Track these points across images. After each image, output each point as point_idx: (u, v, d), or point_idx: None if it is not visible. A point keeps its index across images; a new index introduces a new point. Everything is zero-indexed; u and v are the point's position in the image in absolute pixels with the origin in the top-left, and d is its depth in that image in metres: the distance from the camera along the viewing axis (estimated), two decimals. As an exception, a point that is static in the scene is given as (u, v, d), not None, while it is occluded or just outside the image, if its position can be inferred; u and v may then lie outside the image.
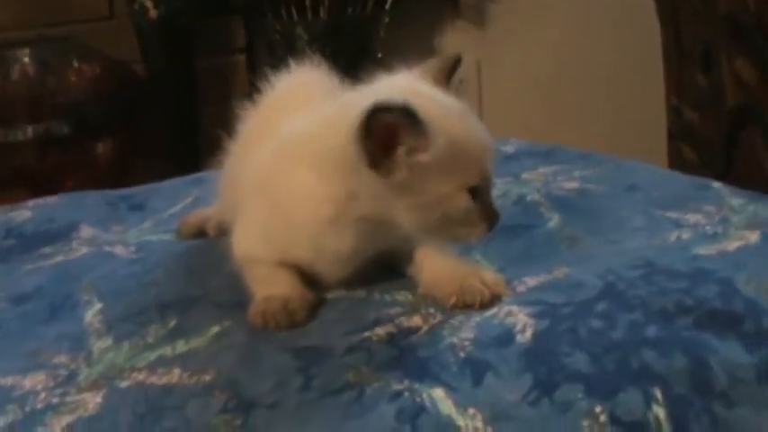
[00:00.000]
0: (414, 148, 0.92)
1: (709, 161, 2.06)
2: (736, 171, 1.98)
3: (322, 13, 2.37)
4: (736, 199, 1.20)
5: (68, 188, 2.24)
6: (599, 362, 0.85)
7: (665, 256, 1.02)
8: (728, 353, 0.88)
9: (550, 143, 2.10)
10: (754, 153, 1.91)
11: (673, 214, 1.15)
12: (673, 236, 1.09)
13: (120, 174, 2.35)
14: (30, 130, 2.25)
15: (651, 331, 0.89)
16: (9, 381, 0.93)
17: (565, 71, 2.62)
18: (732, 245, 1.05)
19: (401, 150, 0.92)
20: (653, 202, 1.20)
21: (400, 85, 1.01)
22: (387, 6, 2.39)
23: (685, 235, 1.09)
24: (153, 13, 2.28)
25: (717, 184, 1.27)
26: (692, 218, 1.14)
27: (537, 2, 2.56)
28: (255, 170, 1.06)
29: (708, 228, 1.10)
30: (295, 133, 1.03)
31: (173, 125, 2.36)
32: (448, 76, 1.05)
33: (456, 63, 1.06)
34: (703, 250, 1.04)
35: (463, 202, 0.95)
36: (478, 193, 0.96)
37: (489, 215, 0.97)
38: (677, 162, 2.22)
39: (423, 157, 0.93)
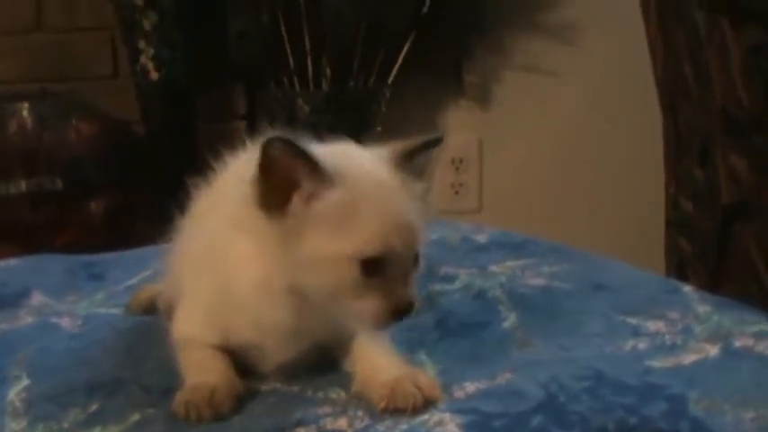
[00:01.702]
0: (312, 194, 0.88)
1: (703, 253, 2.00)
2: (728, 266, 1.93)
3: (324, 85, 2.35)
4: (703, 306, 1.14)
5: (59, 244, 2.22)
6: (524, 484, 0.79)
7: (615, 367, 0.96)
8: (667, 481, 0.82)
9: (541, 225, 2.05)
10: (746, 251, 1.85)
11: (633, 320, 1.09)
12: (628, 344, 1.03)
13: (111, 232, 2.32)
14: (23, 185, 2.22)
15: (586, 452, 0.83)
16: None
17: (567, 154, 2.58)
18: (689, 358, 0.99)
19: (298, 194, 0.88)
20: (617, 304, 1.14)
21: (334, 149, 0.96)
22: (389, 80, 2.36)
23: (642, 344, 1.03)
24: (154, 75, 2.26)
25: (687, 288, 1.21)
26: (652, 325, 1.08)
27: (541, 84, 2.52)
28: (200, 244, 1.01)
29: (667, 337, 1.04)
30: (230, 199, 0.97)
31: (168, 187, 2.33)
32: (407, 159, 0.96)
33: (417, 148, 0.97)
34: (658, 363, 0.98)
35: (349, 272, 0.88)
36: (381, 270, 0.89)
37: (394, 302, 0.90)
38: (674, 252, 2.16)
39: (315, 205, 0.88)
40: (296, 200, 0.89)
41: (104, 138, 2.29)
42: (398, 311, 0.90)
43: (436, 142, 0.97)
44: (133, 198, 2.35)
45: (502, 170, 2.59)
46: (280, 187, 0.88)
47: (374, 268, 0.89)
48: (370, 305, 0.89)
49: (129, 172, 2.34)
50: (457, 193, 2.60)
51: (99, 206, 2.29)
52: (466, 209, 2.59)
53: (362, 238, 0.88)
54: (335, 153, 0.93)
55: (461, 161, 2.59)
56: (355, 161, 0.93)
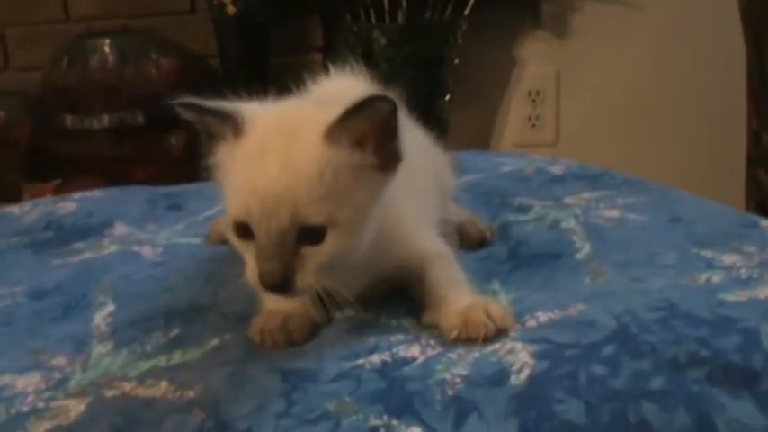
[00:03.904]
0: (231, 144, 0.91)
1: (784, 189, 1.96)
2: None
3: (400, 17, 2.33)
4: (781, 240, 1.12)
5: (140, 177, 2.27)
6: (594, 412, 0.80)
7: (688, 300, 0.95)
8: (738, 412, 0.82)
9: (618, 159, 2.02)
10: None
11: (708, 253, 1.08)
12: (702, 277, 1.02)
13: (190, 166, 2.35)
14: (105, 119, 2.27)
15: (657, 382, 0.83)
16: (6, 379, 0.93)
17: (646, 87, 2.53)
18: (764, 292, 0.98)
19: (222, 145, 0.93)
20: (692, 237, 1.13)
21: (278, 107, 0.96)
22: (466, 12, 2.34)
23: (716, 277, 1.02)
24: (231, 9, 2.27)
25: (765, 223, 1.19)
26: (728, 259, 1.07)
27: (619, 16, 2.47)
28: None
29: (743, 271, 1.03)
30: None
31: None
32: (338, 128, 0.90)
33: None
34: (732, 296, 0.97)
35: (232, 230, 0.90)
36: (252, 235, 0.88)
37: (257, 272, 0.87)
38: (754, 188, 2.12)
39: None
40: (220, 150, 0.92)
41: (183, 72, 2.32)
42: (261, 283, 0.88)
43: (366, 105, 0.86)
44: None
45: (579, 103, 2.56)
46: (211, 142, 0.93)
47: (245, 231, 0.88)
48: (248, 266, 0.89)
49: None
50: (534, 125, 2.58)
51: (178, 140, 2.32)
52: (542, 142, 2.57)
53: (232, 200, 0.90)
54: (266, 111, 0.93)
55: (538, 94, 2.56)
56: (275, 120, 0.90)
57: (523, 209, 1.26)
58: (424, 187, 1.06)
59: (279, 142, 0.87)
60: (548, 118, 2.57)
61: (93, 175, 2.24)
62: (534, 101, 2.56)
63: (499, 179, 1.40)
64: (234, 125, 0.91)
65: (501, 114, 2.58)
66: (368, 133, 0.88)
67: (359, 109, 0.87)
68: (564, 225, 1.19)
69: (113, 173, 2.22)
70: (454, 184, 1.23)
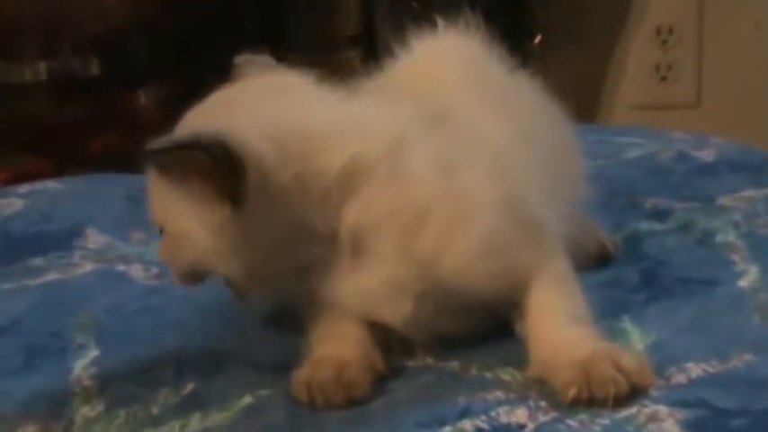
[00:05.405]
0: None
1: None
2: None
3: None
4: None
5: (96, 150, 2.31)
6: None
7: None
8: None
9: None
10: None
11: None
12: None
13: (165, 134, 2.40)
14: (43, 69, 2.31)
15: None
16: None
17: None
18: None
19: None
20: None
21: None
22: None
23: None
24: None
25: None
26: None
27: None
28: None
29: None
30: None
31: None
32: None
33: None
34: None
35: None
36: None
37: None
38: None
39: None
40: None
41: (153, 5, 2.37)
42: None
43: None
44: (197, 86, 2.43)
45: (730, 46, 2.56)
46: None
47: None
48: None
49: (190, 51, 2.39)
50: (664, 78, 2.61)
51: (150, 98, 2.36)
52: (676, 102, 2.59)
53: None
54: None
55: (671, 31, 2.58)
56: None
57: (660, 214, 1.31)
58: (553, 192, 1.13)
59: None
60: (685, 67, 2.59)
61: (33, 148, 2.29)
62: (665, 42, 2.58)
63: (623, 168, 1.44)
64: None
65: (615, 63, 2.60)
66: (190, 171, 1.03)
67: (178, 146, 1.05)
68: (719, 238, 1.24)
69: (59, 145, 2.27)
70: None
